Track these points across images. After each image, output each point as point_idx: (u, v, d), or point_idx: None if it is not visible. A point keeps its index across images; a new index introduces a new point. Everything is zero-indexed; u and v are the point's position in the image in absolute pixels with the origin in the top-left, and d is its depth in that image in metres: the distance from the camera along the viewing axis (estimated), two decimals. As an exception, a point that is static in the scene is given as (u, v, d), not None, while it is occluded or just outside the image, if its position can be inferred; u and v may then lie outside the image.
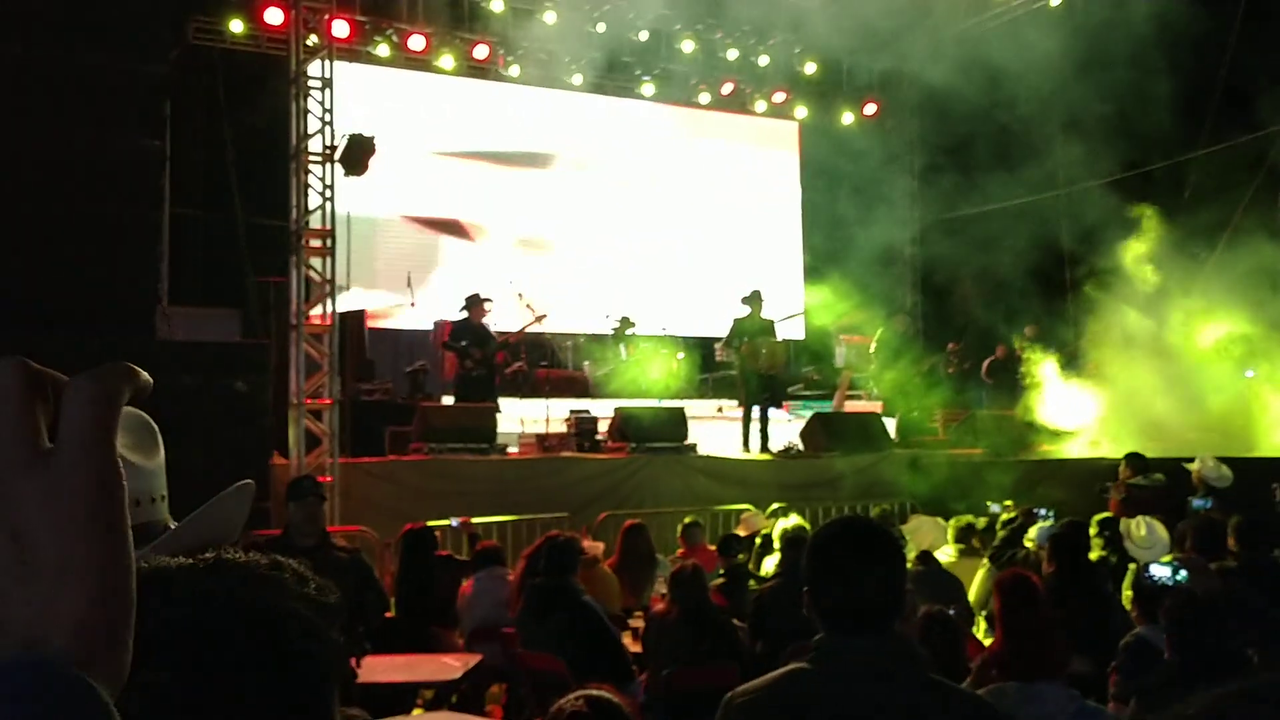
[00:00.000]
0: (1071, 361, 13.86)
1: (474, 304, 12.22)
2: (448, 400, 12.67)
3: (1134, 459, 9.73)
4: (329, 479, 9.58)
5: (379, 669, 5.51)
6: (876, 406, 14.54)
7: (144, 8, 10.39)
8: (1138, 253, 13.65)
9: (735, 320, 12.72)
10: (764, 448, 12.27)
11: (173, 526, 1.42)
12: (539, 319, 13.16)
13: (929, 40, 18.03)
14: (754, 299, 12.73)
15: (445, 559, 7.03)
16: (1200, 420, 13.30)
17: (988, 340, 15.14)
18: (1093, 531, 7.05)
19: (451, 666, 5.66)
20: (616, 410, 12.03)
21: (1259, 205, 13.99)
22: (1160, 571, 4.54)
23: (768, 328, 12.70)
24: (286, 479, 7.82)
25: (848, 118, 18.21)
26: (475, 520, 9.08)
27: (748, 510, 9.65)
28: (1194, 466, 9.42)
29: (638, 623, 6.68)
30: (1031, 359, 13.88)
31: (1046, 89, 14.87)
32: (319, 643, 0.85)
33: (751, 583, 7.13)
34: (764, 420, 12.42)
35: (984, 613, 6.48)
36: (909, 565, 6.42)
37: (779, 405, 12.66)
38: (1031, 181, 15.57)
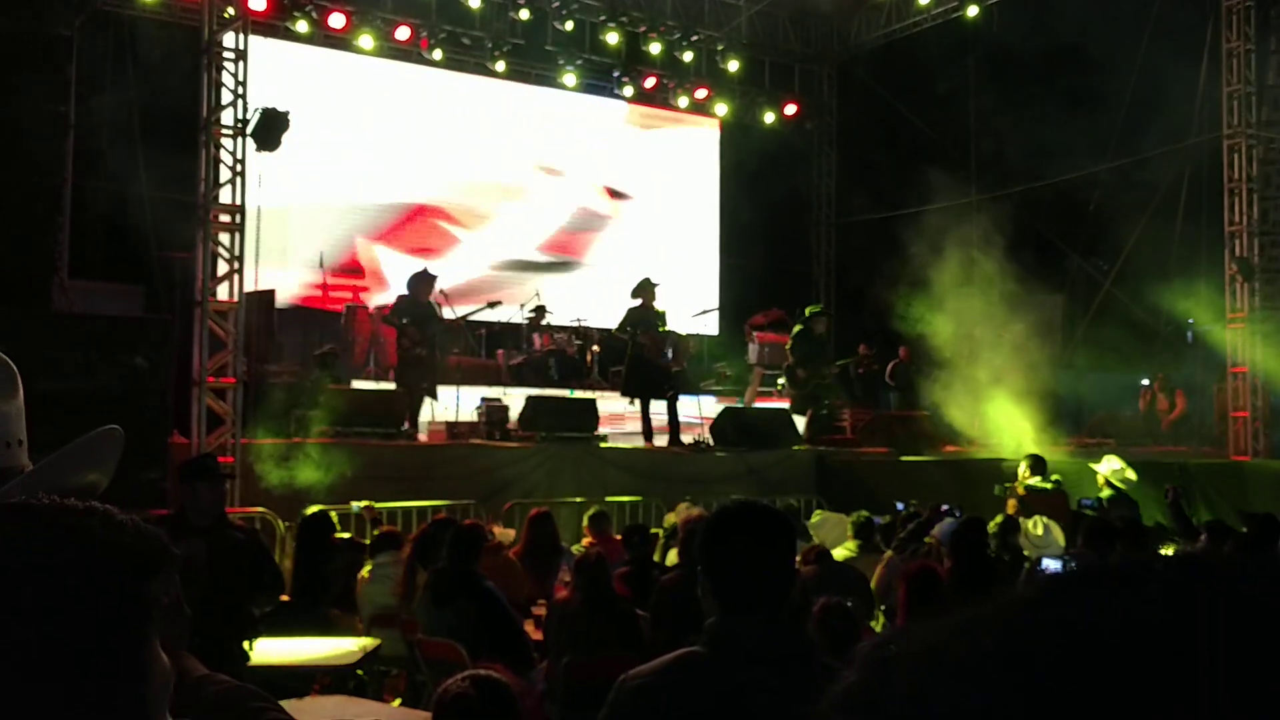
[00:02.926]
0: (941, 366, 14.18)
1: (420, 280, 11.70)
2: (359, 384, 12.49)
3: (1034, 461, 9.97)
4: (230, 459, 9.38)
5: (274, 652, 5.41)
6: (786, 403, 14.68)
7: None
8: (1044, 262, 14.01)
9: (629, 310, 12.34)
10: (675, 440, 12.20)
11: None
12: (491, 305, 12.87)
13: (850, 45, 18.28)
14: (644, 288, 12.29)
15: (347, 543, 6.92)
16: (1097, 424, 13.69)
17: (895, 343, 15.37)
18: (991, 529, 7.21)
19: (349, 651, 5.59)
20: (528, 399, 11.97)
21: (1161, 218, 14.43)
22: (1052, 565, 4.65)
23: (662, 318, 12.33)
24: (185, 458, 7.65)
25: (769, 117, 18.34)
26: (381, 505, 8.97)
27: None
28: (1099, 467, 9.68)
29: (541, 611, 6.66)
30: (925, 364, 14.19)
31: (962, 97, 15.15)
32: (109, 588, 0.83)
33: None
34: (672, 412, 12.32)
35: (883, 606, 6.58)
36: (805, 569, 6.49)
37: (675, 398, 12.47)
38: (946, 188, 15.85)
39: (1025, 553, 7.28)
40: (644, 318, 12.21)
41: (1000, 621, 0.51)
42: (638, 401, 12.38)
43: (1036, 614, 0.50)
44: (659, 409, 12.28)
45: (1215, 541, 6.14)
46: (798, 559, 6.67)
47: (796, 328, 13.75)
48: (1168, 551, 6.90)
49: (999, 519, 7.55)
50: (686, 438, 12.37)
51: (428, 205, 16.07)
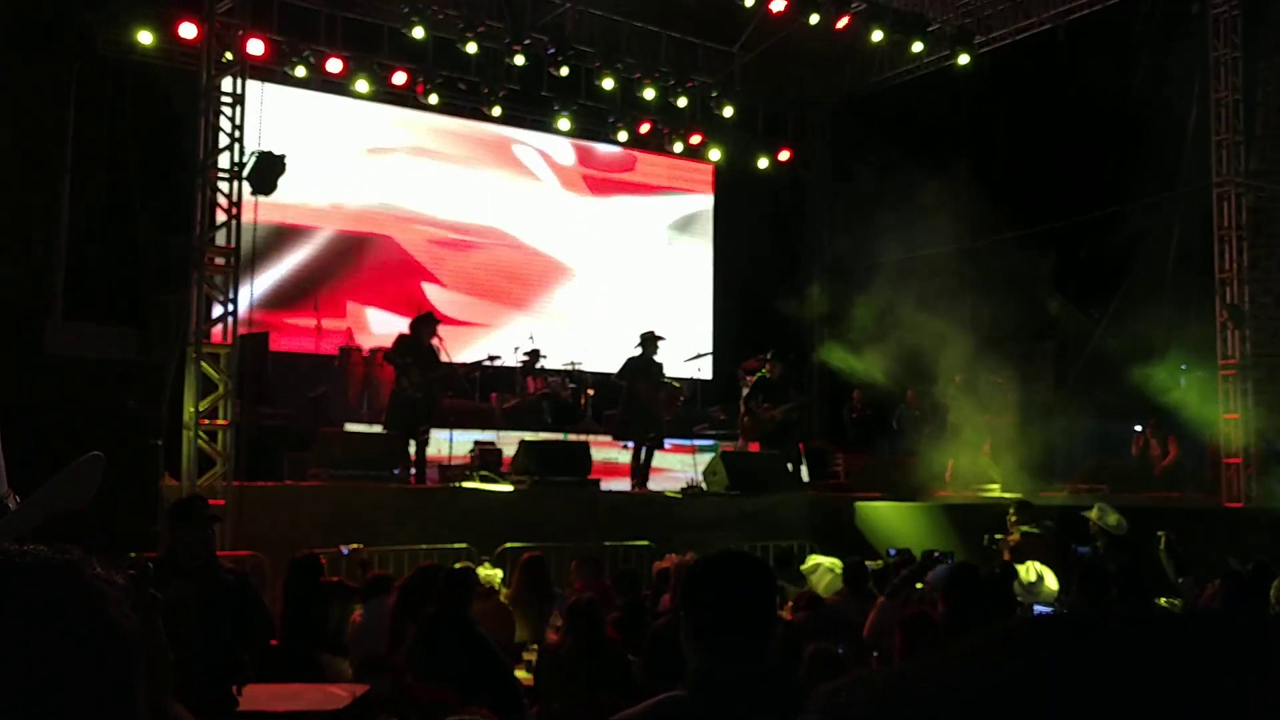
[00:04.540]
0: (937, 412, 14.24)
1: (425, 323, 11.69)
2: (352, 426, 12.46)
3: (1023, 507, 9.96)
4: (221, 502, 9.34)
5: (262, 697, 5.37)
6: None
7: (50, 14, 10.17)
8: (1035, 309, 14.08)
9: (629, 358, 12.79)
10: (642, 484, 12.44)
11: (12, 504, 1.39)
12: (491, 359, 12.96)
13: (844, 92, 18.45)
14: (648, 340, 12.77)
15: (335, 586, 6.88)
16: (1089, 470, 13.69)
17: (895, 388, 15.36)
18: (985, 576, 7.18)
19: (338, 696, 5.54)
20: (521, 442, 11.96)
21: (1152, 265, 14.51)
22: (1044, 612, 4.63)
23: (659, 369, 12.76)
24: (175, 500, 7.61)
25: (762, 163, 18.47)
26: (374, 549, 8.92)
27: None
28: (1091, 514, 9.66)
29: (533, 656, 6.62)
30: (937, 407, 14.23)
31: (954, 144, 15.28)
32: (88, 634, 0.84)
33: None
34: (648, 457, 12.52)
35: (875, 653, 6.54)
36: (797, 615, 6.47)
37: (661, 445, 12.72)
38: (938, 234, 15.93)
39: (1019, 599, 7.25)
40: (642, 366, 12.45)
41: (950, 672, 0.52)
42: (629, 445, 12.59)
43: (986, 665, 0.52)
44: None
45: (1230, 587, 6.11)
46: (789, 605, 6.67)
47: (758, 374, 13.87)
48: (1163, 601, 6.88)
49: (994, 565, 7.54)
50: (680, 482, 12.46)
51: (422, 243, 16.14)
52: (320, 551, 7.51)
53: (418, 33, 14.36)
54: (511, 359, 14.60)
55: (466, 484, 11.25)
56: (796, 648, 4.61)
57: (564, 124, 16.46)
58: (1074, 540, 9.53)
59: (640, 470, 12.50)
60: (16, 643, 0.80)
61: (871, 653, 6.65)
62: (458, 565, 6.82)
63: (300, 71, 14.31)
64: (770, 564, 6.82)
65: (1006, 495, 12.31)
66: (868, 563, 8.37)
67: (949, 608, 5.99)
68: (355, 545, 8.52)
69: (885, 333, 14.23)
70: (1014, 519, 9.74)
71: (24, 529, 0.88)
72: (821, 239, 19.39)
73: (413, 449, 11.36)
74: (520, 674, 6.19)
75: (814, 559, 9.66)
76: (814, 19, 14.49)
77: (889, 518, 12.01)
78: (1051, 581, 8.52)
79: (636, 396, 12.37)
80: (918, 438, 14.42)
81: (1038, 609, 4.72)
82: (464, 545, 9.64)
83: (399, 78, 15.12)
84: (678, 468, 13.69)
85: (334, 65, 14.50)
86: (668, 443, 13.35)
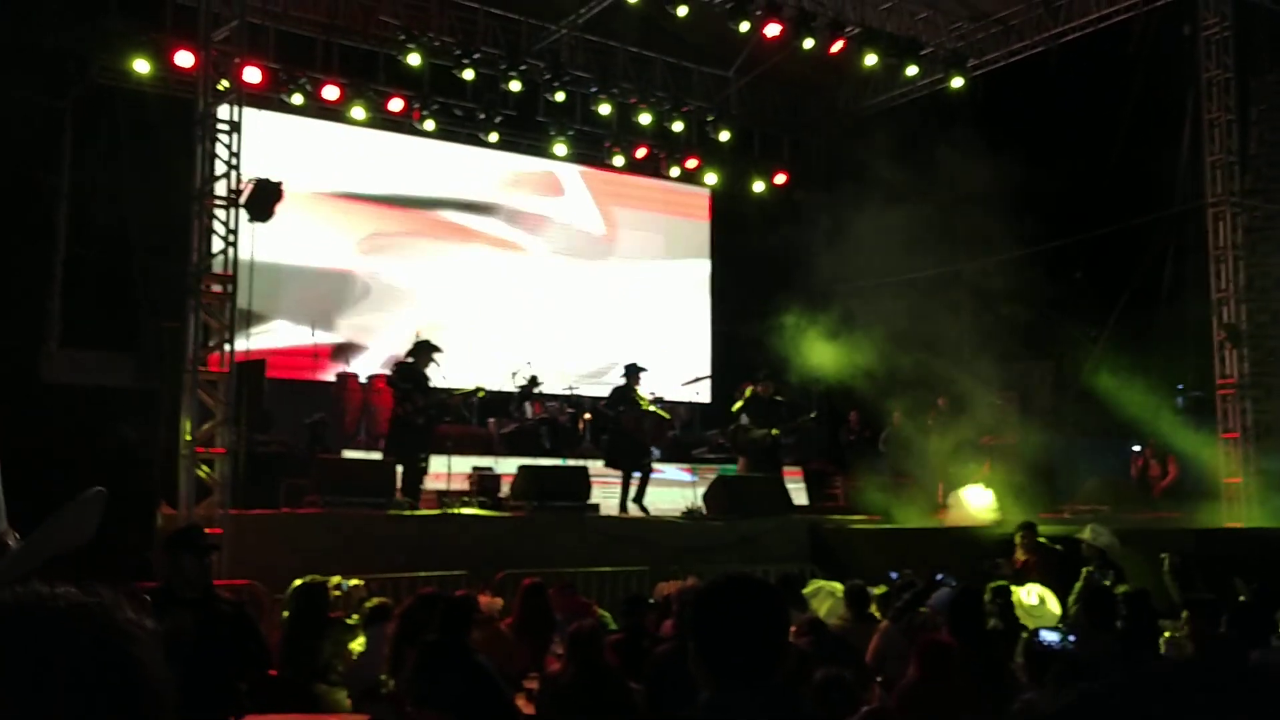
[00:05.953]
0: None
1: (424, 349, 11.63)
2: (349, 453, 12.41)
3: (1026, 529, 9.93)
4: (218, 530, 9.27)
5: (260, 728, 5.31)
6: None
7: (47, 43, 10.19)
8: (1032, 330, 14.09)
9: (614, 389, 12.86)
10: (639, 500, 12.45)
11: (12, 541, 1.37)
12: (478, 391, 12.94)
13: (839, 115, 18.52)
14: (632, 371, 12.84)
15: (331, 620, 6.82)
16: (1089, 491, 13.66)
17: (887, 410, 15.35)
18: (986, 598, 7.14)
19: (337, 727, 5.49)
20: (520, 468, 11.92)
21: (1148, 285, 14.54)
22: (1050, 636, 4.60)
23: (642, 400, 12.83)
24: (172, 529, 7.56)
25: (758, 186, 18.51)
26: (372, 576, 8.84)
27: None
28: (1084, 535, 9.64)
29: (533, 684, 6.55)
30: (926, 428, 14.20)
31: (949, 167, 15.32)
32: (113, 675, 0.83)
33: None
34: (642, 483, 12.52)
35: (879, 678, 6.49)
36: (800, 640, 6.42)
37: (650, 470, 12.73)
38: (935, 255, 15.97)
39: (1023, 621, 7.21)
40: (627, 396, 12.60)
41: None
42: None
43: None
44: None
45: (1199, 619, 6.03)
46: (793, 630, 6.62)
47: (749, 391, 13.83)
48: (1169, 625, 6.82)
49: (991, 586, 7.49)
50: (680, 506, 12.42)
51: (418, 267, 16.14)
52: (322, 579, 7.44)
53: (414, 59, 14.42)
54: (509, 384, 14.57)
55: (465, 510, 11.19)
56: (804, 673, 4.57)
57: (560, 149, 16.51)
58: (1076, 562, 9.49)
59: (637, 497, 12.45)
60: (47, 688, 0.80)
61: (875, 678, 6.60)
62: (458, 592, 6.78)
63: (297, 99, 14.35)
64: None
65: (1008, 517, 12.26)
66: (862, 584, 8.31)
67: (953, 632, 5.95)
68: (355, 581, 8.42)
69: (882, 354, 14.21)
70: (1020, 540, 9.71)
71: (27, 568, 0.87)
72: (818, 261, 19.39)
73: (412, 475, 11.30)
74: (521, 702, 6.13)
75: (815, 583, 9.62)
76: (808, 43, 14.57)
77: (879, 541, 11.97)
78: (1053, 604, 8.48)
79: (620, 426, 12.45)
80: (905, 459, 14.39)
81: (1042, 633, 4.69)
82: (463, 572, 9.58)
83: (395, 104, 15.18)
84: (677, 492, 13.63)
85: (330, 92, 14.55)
86: (667, 467, 13.32)
